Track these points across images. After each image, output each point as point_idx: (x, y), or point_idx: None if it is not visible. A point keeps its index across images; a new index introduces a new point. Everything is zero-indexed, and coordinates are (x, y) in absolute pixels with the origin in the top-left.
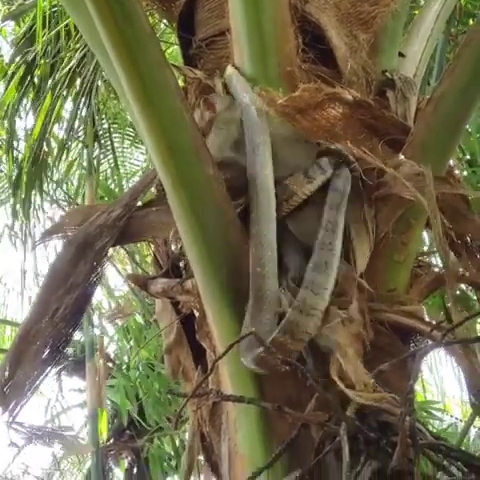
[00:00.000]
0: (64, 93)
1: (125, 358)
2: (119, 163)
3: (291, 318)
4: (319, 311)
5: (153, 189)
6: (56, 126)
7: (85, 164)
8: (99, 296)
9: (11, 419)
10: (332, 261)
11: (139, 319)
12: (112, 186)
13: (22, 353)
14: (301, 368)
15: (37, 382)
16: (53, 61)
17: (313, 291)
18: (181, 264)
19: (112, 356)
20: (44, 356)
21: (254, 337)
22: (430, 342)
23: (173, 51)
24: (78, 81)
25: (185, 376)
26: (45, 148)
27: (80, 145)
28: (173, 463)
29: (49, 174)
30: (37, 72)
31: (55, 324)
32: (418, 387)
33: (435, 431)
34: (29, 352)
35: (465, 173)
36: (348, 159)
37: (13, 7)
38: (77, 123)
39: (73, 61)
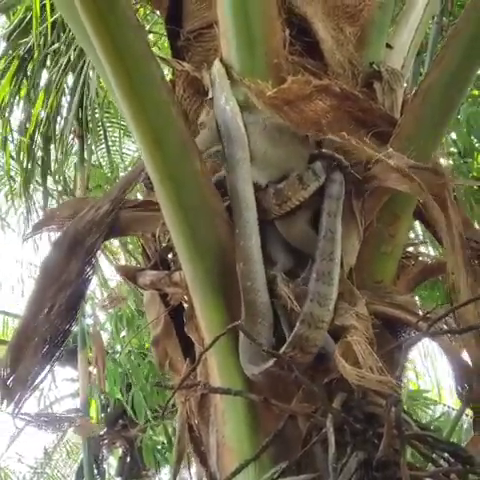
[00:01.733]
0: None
1: (117, 347)
2: (113, 152)
3: (300, 332)
4: (326, 323)
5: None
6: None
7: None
8: (92, 285)
9: (16, 411)
10: (334, 271)
11: (132, 307)
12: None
13: (22, 349)
14: (287, 361)
15: (39, 377)
16: (46, 53)
17: (319, 303)
18: (169, 256)
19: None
20: (43, 351)
21: (259, 350)
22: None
23: (165, 42)
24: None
25: (173, 368)
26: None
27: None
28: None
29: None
30: (30, 66)
31: (51, 321)
32: (412, 376)
33: (428, 419)
34: (29, 348)
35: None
36: (341, 163)
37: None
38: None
39: (66, 57)
